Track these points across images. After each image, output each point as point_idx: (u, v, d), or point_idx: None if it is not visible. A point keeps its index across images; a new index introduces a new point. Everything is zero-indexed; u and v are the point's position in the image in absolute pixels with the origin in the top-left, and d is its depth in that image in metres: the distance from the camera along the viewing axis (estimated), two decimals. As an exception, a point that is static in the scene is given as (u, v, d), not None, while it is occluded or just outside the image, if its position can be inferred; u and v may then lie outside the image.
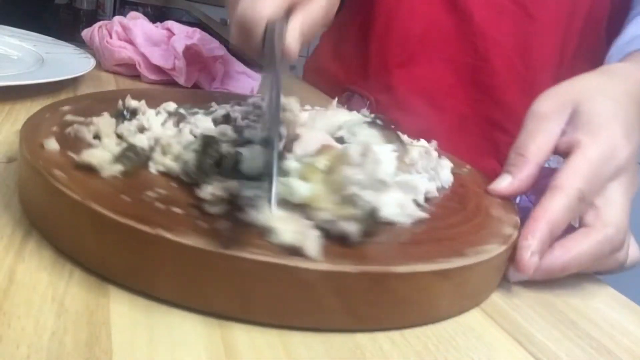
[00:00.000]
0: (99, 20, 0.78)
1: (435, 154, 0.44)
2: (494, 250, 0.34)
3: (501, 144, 0.61)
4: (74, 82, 0.63)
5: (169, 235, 0.27)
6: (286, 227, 0.29)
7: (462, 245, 0.33)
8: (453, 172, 0.45)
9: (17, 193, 0.37)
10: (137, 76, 0.72)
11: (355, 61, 0.81)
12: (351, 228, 0.30)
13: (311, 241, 0.28)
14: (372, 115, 0.46)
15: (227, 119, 0.43)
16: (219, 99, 0.51)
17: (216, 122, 0.41)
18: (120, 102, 0.43)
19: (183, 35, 0.73)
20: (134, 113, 0.42)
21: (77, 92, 0.62)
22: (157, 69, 0.71)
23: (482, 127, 0.71)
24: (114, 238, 0.29)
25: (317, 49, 0.97)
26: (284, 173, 0.34)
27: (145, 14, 0.80)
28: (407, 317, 0.31)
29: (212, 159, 0.34)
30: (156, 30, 0.73)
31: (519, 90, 0.70)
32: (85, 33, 0.76)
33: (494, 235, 0.36)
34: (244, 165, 0.34)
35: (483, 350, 0.31)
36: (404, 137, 0.46)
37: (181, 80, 0.71)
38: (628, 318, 0.38)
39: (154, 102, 0.45)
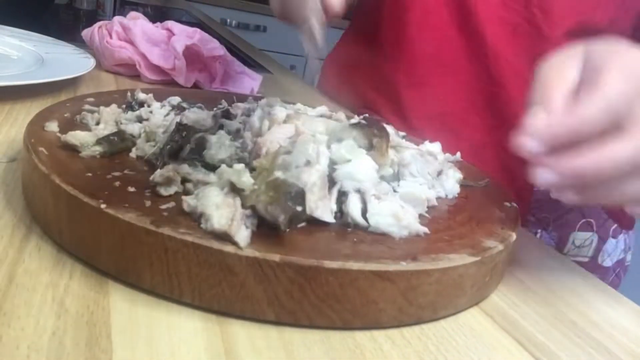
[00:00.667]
0: (99, 20, 0.78)
1: (440, 158, 0.44)
2: (457, 260, 0.32)
3: (519, 175, 0.56)
4: (74, 82, 0.63)
5: (106, 209, 0.29)
6: (219, 214, 0.29)
7: (421, 250, 0.32)
8: (466, 184, 0.44)
9: (21, 184, 0.37)
10: (137, 76, 0.72)
11: (365, 83, 0.78)
12: (276, 213, 0.30)
13: (241, 229, 0.29)
14: (361, 117, 0.46)
15: (227, 114, 0.43)
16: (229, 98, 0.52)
17: (216, 117, 0.41)
18: (129, 94, 0.46)
19: (183, 35, 0.73)
20: (141, 105, 0.45)
21: (77, 92, 0.62)
22: (157, 69, 0.71)
23: (500, 157, 0.65)
24: (67, 210, 0.31)
25: (323, 73, 0.94)
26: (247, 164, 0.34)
27: (145, 14, 0.80)
28: (341, 315, 0.30)
29: (176, 144, 0.36)
30: (156, 30, 0.73)
31: None
32: (85, 33, 0.76)
33: (467, 247, 0.33)
34: (209, 152, 0.36)
35: (483, 350, 0.31)
36: (403, 141, 0.46)
37: (181, 80, 0.71)
38: (628, 318, 0.38)
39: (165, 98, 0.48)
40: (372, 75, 0.76)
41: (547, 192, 0.74)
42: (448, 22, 0.69)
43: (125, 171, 0.35)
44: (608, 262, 0.72)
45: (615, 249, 0.72)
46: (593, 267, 0.71)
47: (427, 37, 0.70)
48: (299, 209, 0.30)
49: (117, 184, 0.33)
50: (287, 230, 0.30)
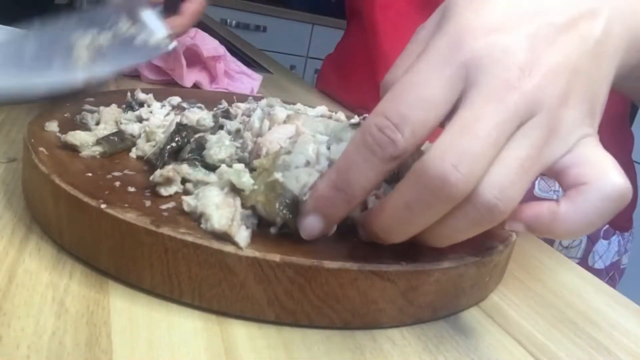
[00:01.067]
0: (99, 20, 0.78)
1: None
2: (457, 260, 0.32)
3: None
4: (74, 82, 0.63)
5: (106, 209, 0.29)
6: (219, 214, 0.29)
7: (420, 250, 0.31)
8: None
9: (21, 184, 0.37)
10: (137, 76, 0.72)
11: (362, 83, 0.78)
12: (272, 215, 0.30)
13: (241, 229, 0.29)
14: (361, 117, 0.46)
15: (227, 114, 0.43)
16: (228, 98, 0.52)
17: (216, 117, 0.41)
18: (129, 94, 0.46)
19: (183, 35, 0.72)
20: (141, 105, 0.45)
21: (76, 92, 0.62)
22: (157, 69, 0.71)
23: None
24: (67, 210, 0.31)
25: (321, 73, 0.94)
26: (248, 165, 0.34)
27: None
28: (341, 315, 0.30)
29: (176, 144, 0.36)
30: (156, 30, 0.73)
31: None
32: (85, 33, 0.76)
33: (467, 247, 0.32)
34: (209, 152, 0.35)
35: (483, 350, 0.31)
36: None
37: (181, 80, 0.71)
38: (628, 318, 0.38)
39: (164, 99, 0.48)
40: (367, 76, 0.77)
41: (531, 190, 0.74)
42: (419, 18, 0.69)
43: (125, 171, 0.35)
44: (600, 264, 0.71)
45: (607, 250, 0.71)
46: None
47: (400, 39, 0.71)
48: (289, 216, 0.30)
49: (117, 184, 0.33)
50: (279, 232, 0.30)
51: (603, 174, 0.26)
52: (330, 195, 0.28)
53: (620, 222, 0.71)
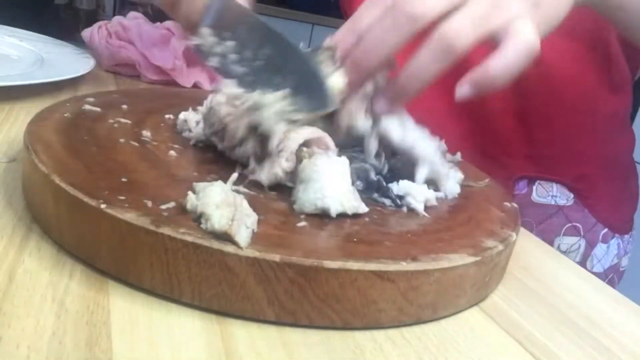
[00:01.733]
0: (99, 20, 0.78)
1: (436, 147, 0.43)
2: (457, 260, 0.32)
3: (496, 180, 0.53)
4: (74, 82, 0.63)
5: (106, 209, 0.29)
6: (219, 214, 0.29)
7: (421, 250, 0.32)
8: (466, 184, 0.44)
9: (21, 184, 0.37)
10: (137, 76, 0.72)
11: None
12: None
13: (241, 229, 0.29)
14: None
15: None
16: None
17: None
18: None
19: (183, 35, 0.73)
20: None
21: (77, 92, 0.62)
22: (157, 69, 0.71)
23: (476, 162, 0.61)
24: (67, 210, 0.31)
25: None
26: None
27: (145, 14, 0.80)
28: (341, 315, 0.30)
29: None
30: (156, 30, 0.73)
31: (514, 120, 0.65)
32: (85, 33, 0.76)
33: (467, 247, 0.33)
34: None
35: (483, 350, 0.31)
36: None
37: (181, 80, 0.71)
38: (628, 318, 0.38)
39: (170, 103, 0.47)
40: None
41: (529, 195, 0.74)
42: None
43: (128, 174, 0.35)
44: (599, 268, 0.71)
45: (606, 254, 0.70)
46: None
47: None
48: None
49: (117, 183, 0.33)
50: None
51: (518, 34, 0.36)
52: (355, 51, 0.38)
53: (620, 224, 0.71)
